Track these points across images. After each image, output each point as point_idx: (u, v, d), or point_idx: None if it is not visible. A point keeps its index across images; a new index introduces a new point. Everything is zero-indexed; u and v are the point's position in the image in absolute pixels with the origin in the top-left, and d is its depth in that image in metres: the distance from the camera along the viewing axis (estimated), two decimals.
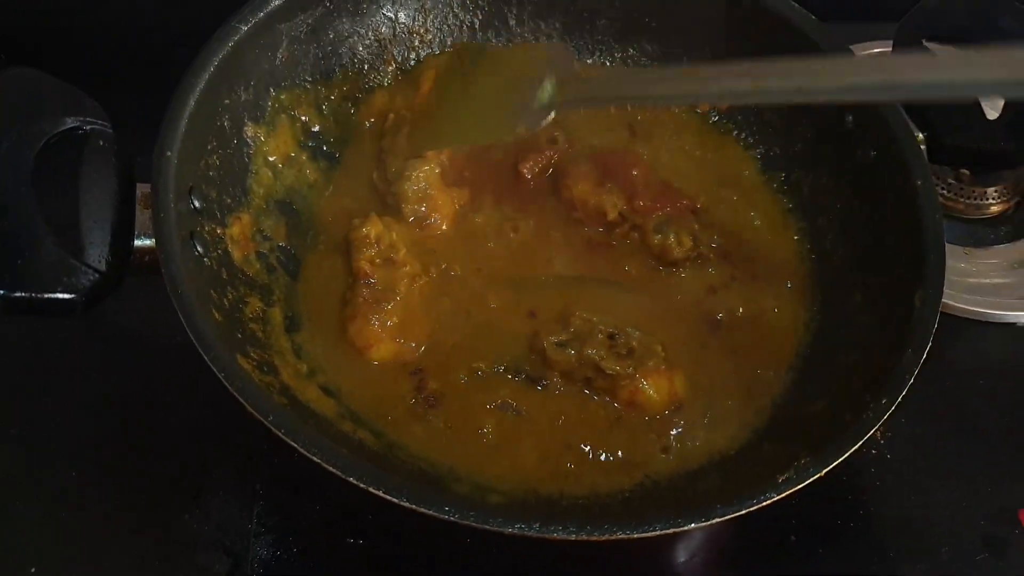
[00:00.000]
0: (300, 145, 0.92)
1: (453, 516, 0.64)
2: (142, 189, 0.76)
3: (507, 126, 0.81)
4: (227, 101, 0.85)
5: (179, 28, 0.95)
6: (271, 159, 0.89)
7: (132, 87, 0.91)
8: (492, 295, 0.85)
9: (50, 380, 0.91)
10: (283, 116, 0.91)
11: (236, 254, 0.82)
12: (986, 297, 0.99)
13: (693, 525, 0.66)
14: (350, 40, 0.97)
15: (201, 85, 0.80)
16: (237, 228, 0.83)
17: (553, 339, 0.81)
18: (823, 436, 0.72)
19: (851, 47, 0.94)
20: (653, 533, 0.65)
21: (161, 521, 0.83)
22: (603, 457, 0.78)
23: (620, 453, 0.79)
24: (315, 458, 0.65)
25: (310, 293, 0.86)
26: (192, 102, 0.79)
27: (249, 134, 0.87)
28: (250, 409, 0.67)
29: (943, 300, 0.77)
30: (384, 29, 0.99)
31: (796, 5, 0.94)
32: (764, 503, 0.66)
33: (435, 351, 0.83)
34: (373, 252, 0.84)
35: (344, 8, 0.95)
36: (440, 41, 1.01)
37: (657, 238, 0.88)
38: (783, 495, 0.67)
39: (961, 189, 1.06)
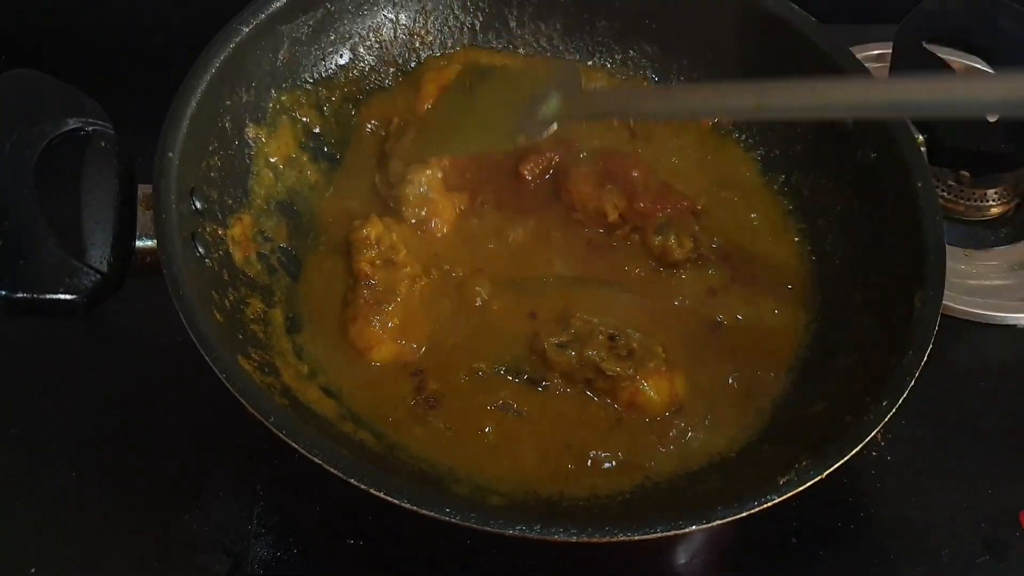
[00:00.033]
0: (301, 146, 0.92)
1: (454, 518, 0.64)
2: (144, 190, 0.76)
3: (509, 136, 0.82)
4: (228, 102, 0.85)
5: (180, 29, 0.95)
6: (272, 160, 0.89)
7: (133, 88, 0.91)
8: (493, 297, 0.85)
9: (51, 380, 0.91)
10: (284, 117, 0.91)
11: (237, 255, 0.82)
12: (986, 299, 1.00)
13: (694, 527, 0.66)
14: (351, 41, 0.97)
15: (203, 86, 0.80)
16: (238, 229, 0.83)
17: (554, 340, 0.81)
18: (824, 438, 0.72)
19: (851, 48, 0.94)
20: (654, 535, 0.65)
21: (161, 521, 0.83)
22: (603, 458, 0.78)
23: (620, 454, 0.79)
24: (316, 459, 0.65)
25: (311, 294, 0.86)
26: (194, 103, 0.79)
27: (250, 135, 0.87)
28: (251, 410, 0.67)
29: (943, 302, 0.77)
30: (385, 31, 0.99)
31: (796, 7, 0.94)
32: (765, 505, 0.66)
33: (435, 352, 0.83)
34: (373, 253, 0.84)
35: (345, 10, 0.95)
36: (441, 43, 1.01)
37: (657, 240, 0.88)
38: (784, 497, 0.67)
39: (961, 191, 1.06)
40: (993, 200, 1.07)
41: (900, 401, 0.72)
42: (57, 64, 0.81)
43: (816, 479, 0.68)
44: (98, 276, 0.72)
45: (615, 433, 0.80)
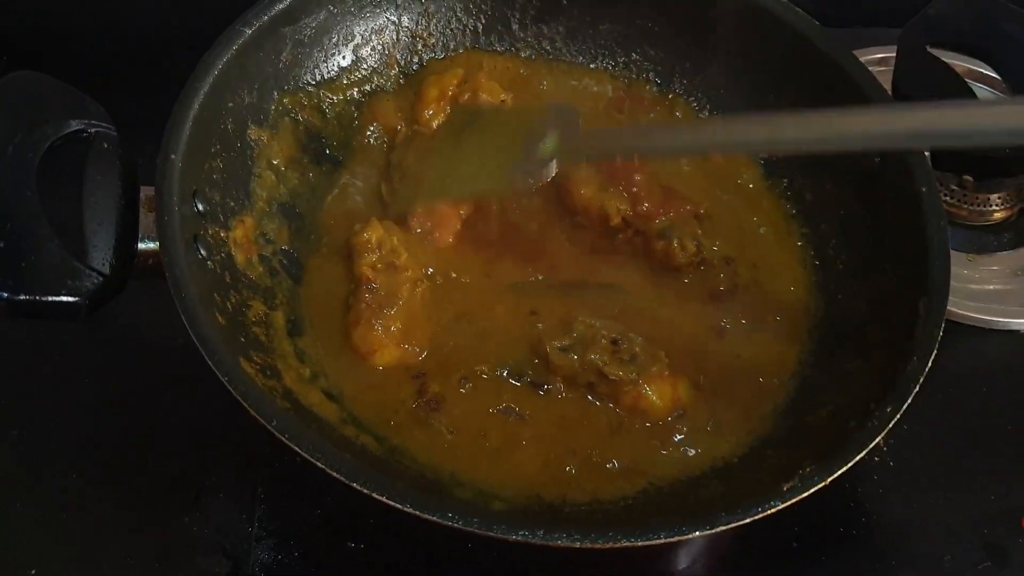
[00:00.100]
0: (303, 148, 0.92)
1: (457, 523, 0.64)
2: (146, 192, 0.76)
3: (506, 179, 0.81)
4: (231, 104, 0.85)
5: (182, 31, 0.95)
6: (274, 162, 0.89)
7: (136, 90, 0.91)
8: (495, 300, 0.85)
9: (52, 381, 0.91)
10: (286, 119, 0.91)
11: (239, 257, 0.82)
12: (989, 304, 0.99)
13: (697, 533, 0.65)
14: (353, 43, 0.97)
15: (205, 88, 0.80)
16: (240, 231, 0.83)
17: (556, 344, 0.81)
18: (827, 444, 0.71)
19: (854, 52, 0.94)
20: (657, 541, 0.65)
21: (161, 523, 0.83)
22: (606, 463, 0.78)
23: (623, 459, 0.78)
24: (319, 464, 0.65)
25: (313, 297, 0.85)
26: (196, 105, 0.79)
27: (252, 137, 0.87)
28: (253, 413, 0.67)
29: None
30: (387, 33, 0.99)
31: (800, 11, 0.94)
32: (769, 511, 0.66)
33: (437, 355, 0.83)
34: (375, 257, 0.84)
35: (347, 12, 0.95)
36: (443, 45, 1.01)
37: (660, 243, 0.88)
38: (788, 503, 0.67)
39: (964, 196, 1.06)
40: (996, 205, 1.06)
41: (905, 407, 0.71)
42: (59, 66, 0.80)
43: (820, 485, 0.68)
44: (100, 278, 0.72)
45: (617, 438, 0.80)
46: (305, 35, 0.92)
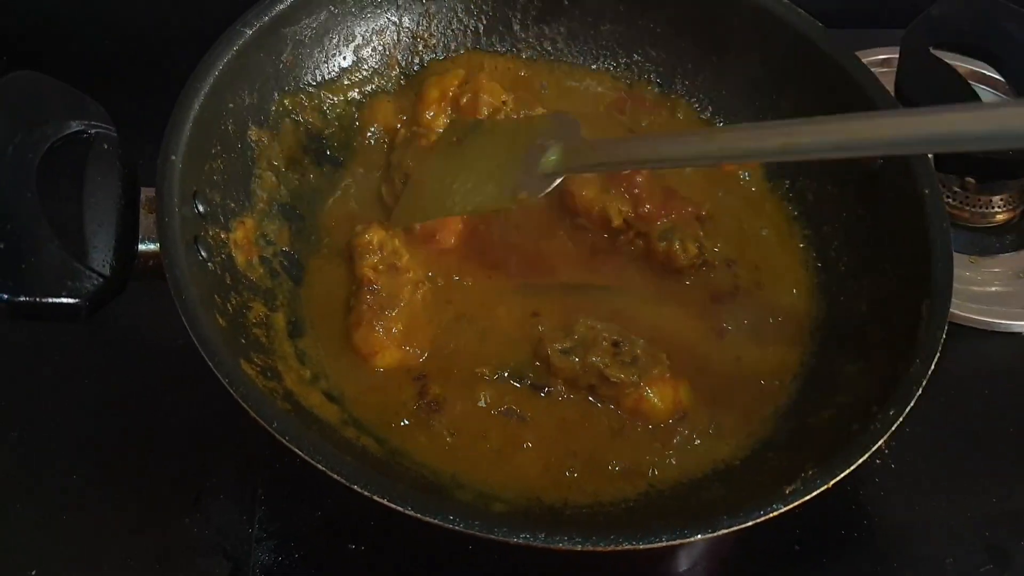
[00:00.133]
0: (304, 149, 0.92)
1: (458, 525, 0.64)
2: (146, 193, 0.76)
3: (508, 193, 0.79)
4: (231, 105, 0.84)
5: (182, 31, 0.95)
6: (275, 163, 0.89)
7: (136, 91, 0.91)
8: (497, 302, 0.85)
9: (52, 383, 0.91)
10: (287, 120, 0.91)
11: (239, 259, 0.82)
12: (990, 306, 0.99)
13: (699, 536, 0.65)
14: (354, 44, 0.97)
15: (206, 89, 0.80)
16: (241, 232, 0.83)
17: (557, 346, 0.81)
18: (829, 447, 0.71)
19: (857, 53, 0.93)
20: (659, 544, 0.65)
21: (161, 524, 0.83)
22: (607, 465, 0.78)
23: (624, 461, 0.78)
24: (319, 466, 0.65)
25: (313, 298, 0.85)
26: (197, 106, 0.79)
27: (253, 138, 0.87)
28: (254, 415, 0.67)
29: None
30: (388, 33, 0.99)
31: (802, 12, 0.94)
32: (771, 515, 0.66)
33: (438, 357, 0.83)
34: (376, 259, 0.84)
35: (348, 12, 0.95)
36: (444, 46, 1.01)
37: (662, 245, 0.88)
38: (790, 507, 0.66)
39: (967, 198, 1.06)
40: (999, 207, 1.06)
41: (907, 410, 0.71)
42: (60, 66, 0.80)
43: (822, 488, 0.67)
44: (100, 279, 0.72)
45: (618, 440, 0.79)
46: (306, 35, 0.92)
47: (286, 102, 0.91)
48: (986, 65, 1.03)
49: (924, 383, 0.72)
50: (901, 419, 0.71)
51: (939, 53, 0.95)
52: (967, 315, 0.98)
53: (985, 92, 1.09)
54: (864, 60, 0.93)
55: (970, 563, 0.85)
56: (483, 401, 0.80)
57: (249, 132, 0.87)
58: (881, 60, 1.13)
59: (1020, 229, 1.07)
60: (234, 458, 0.86)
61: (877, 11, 1.13)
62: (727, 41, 0.98)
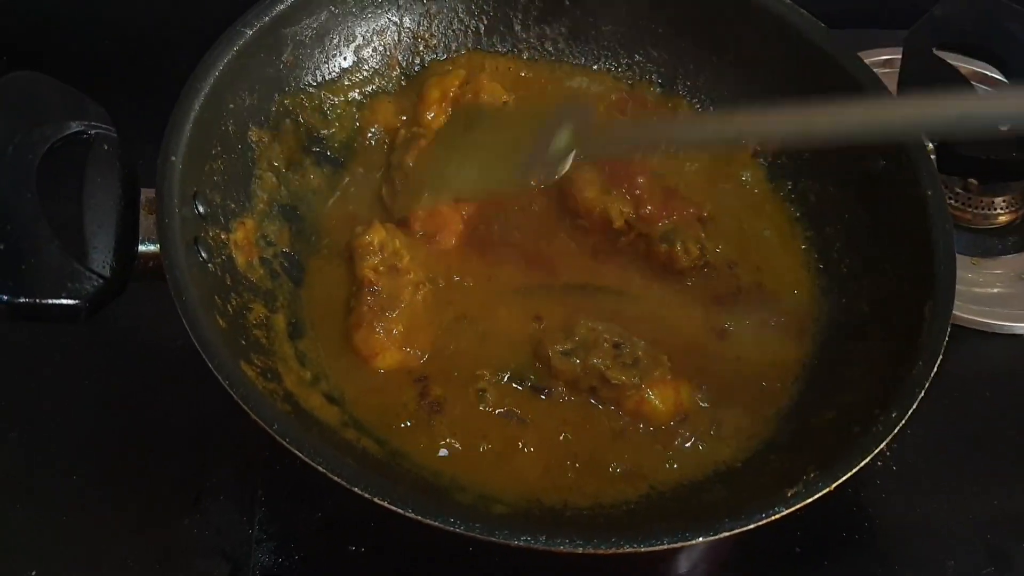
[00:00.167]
0: (304, 150, 0.92)
1: (459, 528, 0.64)
2: (146, 194, 0.76)
3: (518, 175, 0.79)
4: (232, 105, 0.84)
5: (182, 31, 0.94)
6: (275, 164, 0.89)
7: (136, 91, 0.91)
8: (497, 303, 0.85)
9: (52, 383, 0.91)
10: (287, 120, 0.91)
11: (240, 260, 0.81)
12: (992, 308, 0.99)
13: (700, 539, 0.65)
14: (354, 44, 0.96)
15: (206, 89, 0.80)
16: (241, 233, 0.82)
17: (558, 348, 0.81)
18: (831, 449, 0.71)
19: (860, 54, 0.93)
20: (660, 547, 0.65)
21: (161, 525, 0.83)
22: (608, 467, 0.78)
23: (625, 463, 0.78)
24: (320, 467, 0.65)
25: (314, 299, 0.85)
26: (197, 106, 0.78)
27: (253, 139, 0.87)
28: (254, 417, 0.67)
29: None
30: (389, 34, 0.98)
31: (805, 12, 0.94)
32: (772, 517, 0.66)
33: (439, 359, 0.82)
34: (377, 260, 0.84)
35: (349, 12, 0.95)
36: (445, 46, 1.01)
37: (663, 246, 0.88)
38: (791, 509, 0.66)
39: (969, 199, 1.06)
40: (1001, 208, 1.06)
41: (910, 412, 0.71)
42: (59, 67, 0.80)
43: (824, 491, 0.67)
44: (100, 280, 0.71)
45: (619, 442, 0.79)
46: (306, 36, 0.91)
47: (286, 102, 0.91)
48: (989, 66, 1.02)
49: (927, 385, 0.72)
50: (903, 421, 0.71)
51: (942, 54, 0.95)
52: (969, 317, 0.98)
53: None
54: (866, 61, 0.93)
55: (971, 565, 0.84)
56: (484, 403, 0.80)
57: (249, 133, 0.86)
58: (883, 61, 1.13)
59: (1022, 231, 1.07)
60: (234, 459, 0.86)
61: (879, 12, 1.12)
62: (729, 41, 0.98)
